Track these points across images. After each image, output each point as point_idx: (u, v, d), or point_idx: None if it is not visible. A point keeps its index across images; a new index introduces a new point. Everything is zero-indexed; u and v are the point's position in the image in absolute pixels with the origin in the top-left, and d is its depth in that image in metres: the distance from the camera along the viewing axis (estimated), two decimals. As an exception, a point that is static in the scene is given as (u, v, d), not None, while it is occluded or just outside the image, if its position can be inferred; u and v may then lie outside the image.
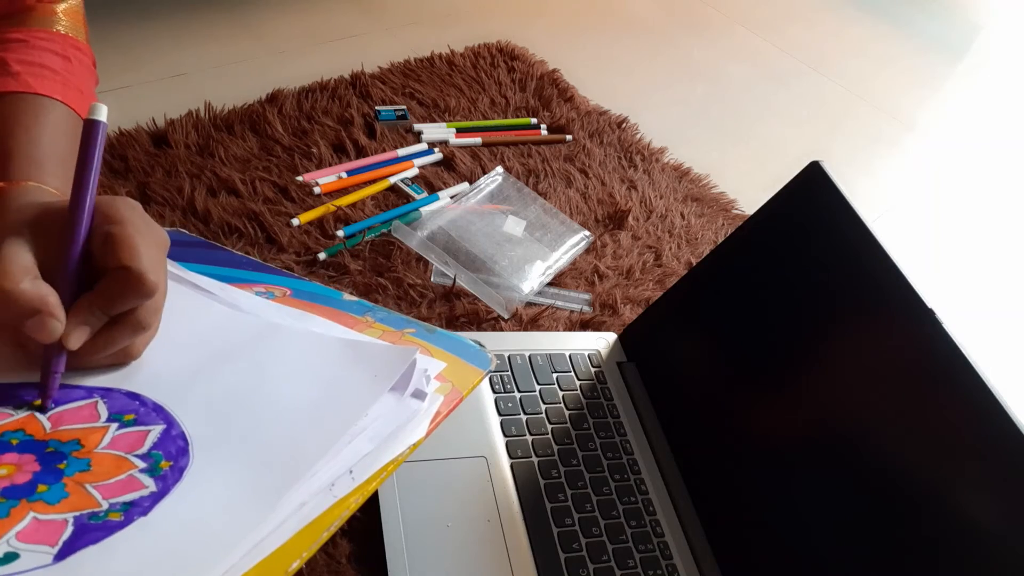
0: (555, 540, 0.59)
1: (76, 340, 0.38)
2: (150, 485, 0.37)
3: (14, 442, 0.37)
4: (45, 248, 0.39)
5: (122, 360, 0.42)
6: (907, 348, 0.53)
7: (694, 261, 0.99)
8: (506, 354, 0.70)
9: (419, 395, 0.45)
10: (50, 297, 0.37)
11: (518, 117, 1.13)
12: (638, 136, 1.19)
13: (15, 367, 0.40)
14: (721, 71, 1.47)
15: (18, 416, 0.38)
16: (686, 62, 1.45)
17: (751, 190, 1.16)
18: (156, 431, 0.39)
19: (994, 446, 0.48)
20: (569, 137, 1.12)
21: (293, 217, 0.85)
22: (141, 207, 0.41)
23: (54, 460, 0.37)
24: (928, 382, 0.52)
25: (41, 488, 0.35)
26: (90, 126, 0.40)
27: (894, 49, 1.76)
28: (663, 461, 0.67)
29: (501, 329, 0.82)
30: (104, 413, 0.40)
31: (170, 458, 0.38)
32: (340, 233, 0.85)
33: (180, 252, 0.54)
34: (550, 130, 1.13)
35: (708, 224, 1.08)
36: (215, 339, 0.46)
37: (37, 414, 0.39)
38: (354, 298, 0.56)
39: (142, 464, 0.38)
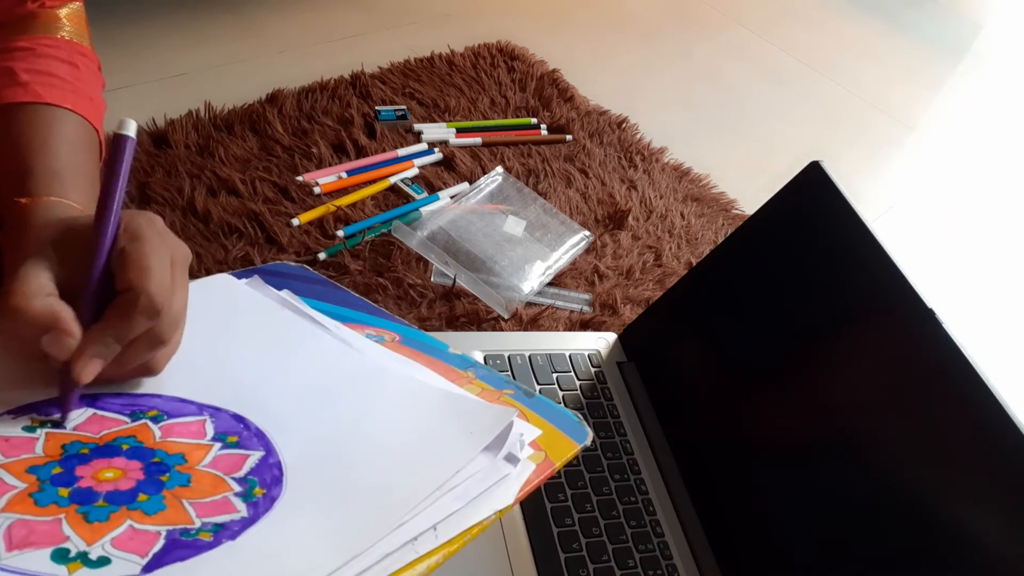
0: (555, 540, 0.59)
1: (88, 374, 0.38)
2: (242, 510, 0.37)
3: (125, 447, 0.38)
4: (68, 266, 0.39)
5: (143, 375, 0.42)
6: (907, 348, 0.53)
7: (694, 261, 0.99)
8: (506, 354, 0.70)
9: (511, 459, 0.44)
10: (63, 313, 0.37)
11: (518, 117, 1.13)
12: (638, 136, 1.19)
13: (46, 381, 0.40)
14: (721, 71, 1.47)
15: (133, 424, 0.39)
16: (686, 62, 1.45)
17: (751, 190, 1.16)
18: (255, 457, 0.40)
19: (994, 446, 0.48)
20: (569, 137, 1.12)
21: (293, 217, 0.85)
22: (161, 221, 0.41)
23: (158, 471, 0.38)
24: (928, 382, 0.52)
25: (141, 497, 0.36)
26: (119, 141, 0.40)
27: (894, 49, 1.76)
28: (663, 461, 0.67)
29: (501, 329, 0.82)
30: (210, 431, 0.41)
31: (264, 486, 0.38)
32: (340, 233, 0.85)
33: (301, 287, 0.56)
34: (550, 130, 1.13)
35: (708, 224, 1.08)
36: (324, 371, 0.47)
37: (150, 423, 0.40)
38: (458, 352, 0.56)
39: (237, 487, 0.38)
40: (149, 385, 0.42)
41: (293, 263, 0.62)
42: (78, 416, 0.39)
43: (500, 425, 0.44)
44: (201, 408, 0.42)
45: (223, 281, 0.52)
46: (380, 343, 0.52)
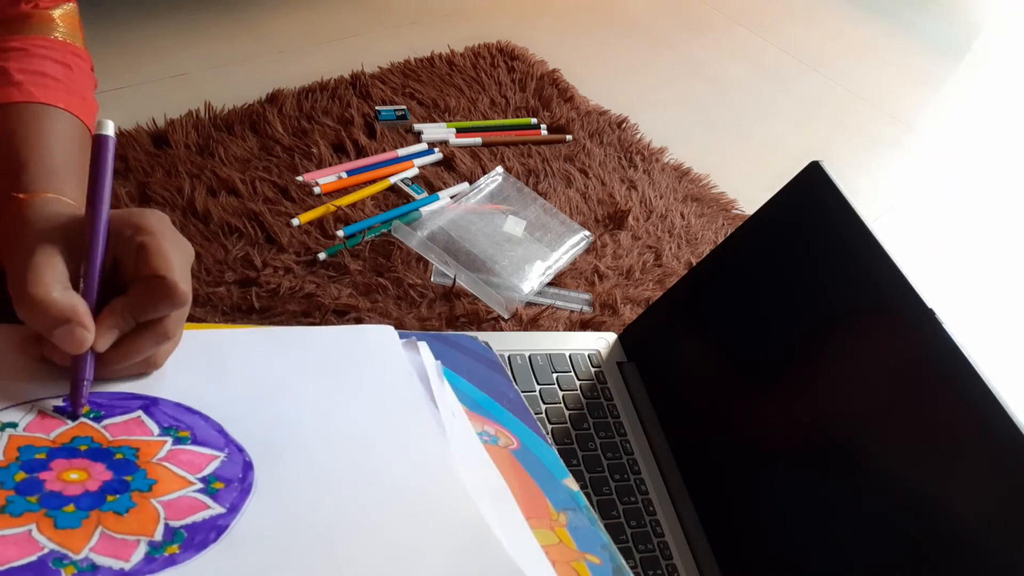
0: (555, 540, 0.59)
1: (104, 342, 0.38)
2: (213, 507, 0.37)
3: (83, 448, 0.37)
4: (75, 259, 0.39)
5: (145, 370, 0.42)
6: (907, 348, 0.53)
7: (694, 261, 0.99)
8: (506, 354, 0.70)
9: None
10: (80, 306, 0.37)
11: (518, 117, 1.13)
12: (638, 136, 1.19)
13: (43, 382, 0.39)
14: (721, 71, 1.47)
15: (71, 425, 0.38)
16: (686, 62, 1.45)
17: (751, 190, 1.16)
18: (219, 460, 0.39)
19: (994, 446, 0.48)
20: (569, 137, 1.12)
21: (293, 217, 0.85)
22: (168, 219, 0.42)
23: (124, 470, 0.37)
24: (928, 382, 0.52)
25: (110, 498, 0.35)
26: (99, 141, 0.40)
27: (894, 49, 1.76)
28: (663, 461, 0.67)
29: (501, 329, 0.82)
30: (155, 428, 0.40)
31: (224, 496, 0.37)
32: (340, 233, 0.85)
33: (462, 363, 0.52)
34: (550, 130, 1.13)
35: (708, 224, 1.08)
36: (383, 448, 0.43)
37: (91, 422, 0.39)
38: (575, 488, 0.49)
39: (199, 484, 0.38)
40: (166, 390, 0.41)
41: (483, 340, 0.57)
42: (24, 417, 0.38)
43: None
44: (225, 439, 0.40)
45: (381, 334, 0.50)
46: (490, 444, 0.48)
